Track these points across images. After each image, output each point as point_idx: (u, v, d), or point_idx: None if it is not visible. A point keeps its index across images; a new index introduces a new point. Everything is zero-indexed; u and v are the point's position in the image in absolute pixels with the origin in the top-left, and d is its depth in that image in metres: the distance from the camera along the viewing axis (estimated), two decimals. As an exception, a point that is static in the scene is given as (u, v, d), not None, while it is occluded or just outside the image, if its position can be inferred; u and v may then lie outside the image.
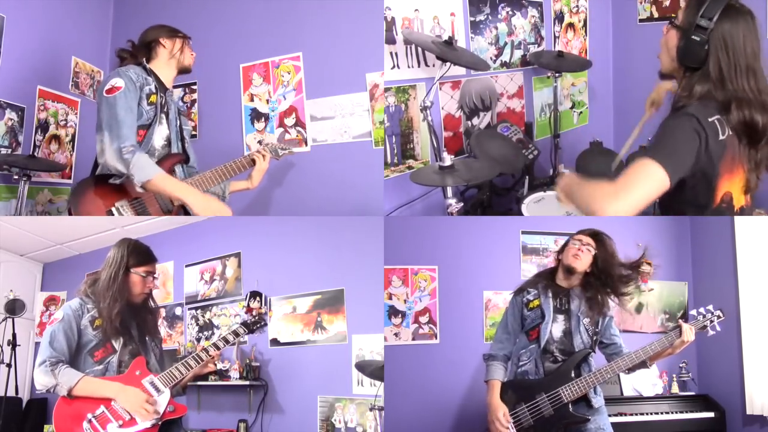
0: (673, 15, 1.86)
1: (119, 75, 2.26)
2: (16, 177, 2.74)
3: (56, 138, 3.27)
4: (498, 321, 2.61)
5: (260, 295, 3.62)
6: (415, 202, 3.12)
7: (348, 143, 3.08)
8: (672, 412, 3.05)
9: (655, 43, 1.93)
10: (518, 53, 3.54)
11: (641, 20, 3.96)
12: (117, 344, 1.95)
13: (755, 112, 1.71)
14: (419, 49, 3.05)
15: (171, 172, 2.38)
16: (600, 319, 2.16)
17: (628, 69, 4.13)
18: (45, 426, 3.95)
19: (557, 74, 3.45)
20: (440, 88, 3.16)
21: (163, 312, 4.14)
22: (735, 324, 2.97)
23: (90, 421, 1.82)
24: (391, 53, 2.95)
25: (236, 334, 2.14)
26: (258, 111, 3.32)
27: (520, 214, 2.63)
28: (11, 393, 3.61)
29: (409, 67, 3.05)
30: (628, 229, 3.43)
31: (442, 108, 3.20)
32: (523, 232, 3.37)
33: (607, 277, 2.16)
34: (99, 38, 3.64)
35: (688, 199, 1.80)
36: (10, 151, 2.93)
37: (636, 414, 3.02)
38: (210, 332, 3.92)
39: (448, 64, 2.77)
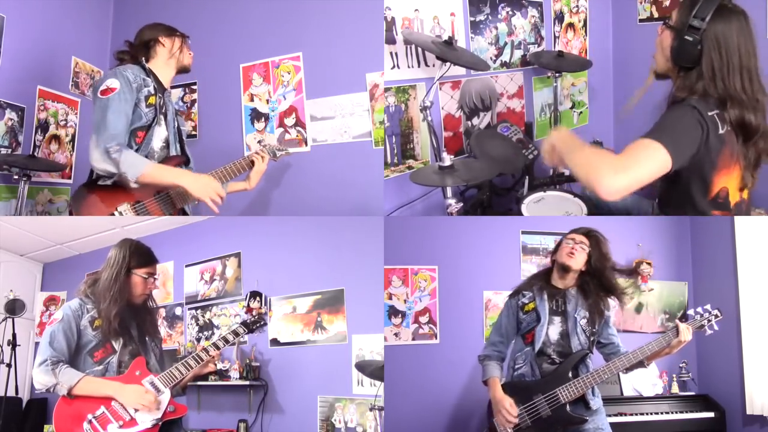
0: (668, 15, 1.87)
1: (115, 75, 2.24)
2: (16, 177, 2.74)
3: (56, 138, 3.26)
4: (497, 321, 2.61)
5: (260, 295, 3.62)
6: (415, 202, 3.12)
7: (348, 143, 3.08)
8: (672, 412, 3.06)
9: (654, 43, 1.94)
10: (518, 53, 3.54)
11: (641, 20, 3.95)
12: (117, 345, 1.95)
13: (747, 111, 1.73)
14: (419, 49, 3.05)
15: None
16: (598, 319, 2.15)
17: (628, 69, 4.12)
18: (45, 426, 3.95)
19: (557, 74, 3.45)
20: (440, 88, 3.16)
21: (163, 312, 4.14)
22: (735, 324, 2.98)
23: (90, 422, 1.82)
24: (391, 53, 2.95)
25: (236, 333, 2.14)
26: (258, 111, 3.32)
27: (520, 214, 2.62)
28: (11, 393, 3.61)
29: (409, 67, 3.04)
30: (628, 229, 3.44)
31: (442, 108, 3.20)
32: (523, 232, 3.37)
33: (602, 277, 2.15)
34: (99, 38, 3.64)
35: (684, 193, 1.81)
36: (10, 151, 2.93)
37: (636, 414, 3.02)
38: (210, 332, 3.92)
39: (448, 64, 2.77)
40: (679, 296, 3.44)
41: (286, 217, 3.39)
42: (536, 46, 3.66)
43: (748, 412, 2.88)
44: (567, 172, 3.60)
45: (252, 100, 3.34)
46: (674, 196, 1.90)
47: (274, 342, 3.59)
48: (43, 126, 3.17)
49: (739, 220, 2.99)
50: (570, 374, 2.06)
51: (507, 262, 3.33)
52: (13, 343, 3.69)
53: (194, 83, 3.50)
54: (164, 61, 2.45)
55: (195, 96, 3.52)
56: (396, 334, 3.22)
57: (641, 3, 3.95)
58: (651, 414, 3.03)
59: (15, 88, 2.97)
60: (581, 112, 4.09)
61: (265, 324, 2.28)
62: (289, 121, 3.23)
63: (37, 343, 4.16)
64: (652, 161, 1.61)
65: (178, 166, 2.43)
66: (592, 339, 2.14)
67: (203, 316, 3.97)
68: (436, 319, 3.27)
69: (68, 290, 4.52)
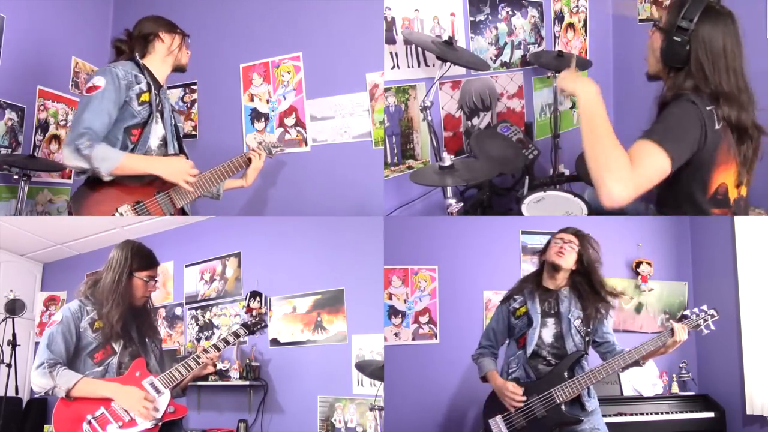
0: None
1: (103, 73, 2.19)
2: (16, 177, 2.74)
3: (56, 138, 3.27)
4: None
5: (260, 295, 3.62)
6: (415, 202, 3.11)
7: (348, 143, 3.08)
8: (672, 412, 3.06)
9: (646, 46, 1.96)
10: (518, 53, 3.54)
11: (641, 20, 3.96)
12: (117, 346, 1.94)
13: (736, 109, 1.77)
14: (419, 49, 3.05)
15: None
16: (593, 318, 2.13)
17: (628, 69, 4.12)
18: (45, 426, 3.95)
19: (557, 74, 3.44)
20: (440, 88, 3.15)
21: (163, 312, 4.14)
22: (735, 324, 2.98)
23: (90, 423, 1.81)
24: (391, 53, 2.95)
25: (237, 335, 2.13)
26: (258, 111, 3.32)
27: (520, 214, 2.62)
28: (11, 393, 3.61)
29: (409, 67, 3.04)
30: (628, 229, 3.44)
31: (442, 108, 3.20)
32: (523, 232, 3.37)
33: (592, 277, 2.15)
34: (99, 38, 3.64)
35: (683, 190, 1.82)
36: (10, 151, 2.93)
37: (636, 414, 3.02)
38: (210, 332, 3.92)
39: (448, 64, 2.76)
40: (679, 296, 3.44)
41: (286, 217, 3.40)
42: (536, 46, 3.66)
43: (748, 412, 2.88)
44: (567, 172, 3.61)
45: (252, 100, 3.34)
46: (673, 195, 1.91)
47: (274, 342, 3.59)
48: (43, 126, 3.17)
49: (739, 220, 2.99)
50: (566, 375, 2.05)
51: (507, 262, 3.33)
52: (13, 343, 3.69)
53: (194, 83, 3.50)
54: (161, 58, 2.39)
55: (195, 96, 3.52)
56: (396, 334, 3.22)
57: (641, 3, 3.96)
58: (651, 414, 3.03)
59: (15, 88, 2.98)
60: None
61: (266, 326, 2.27)
62: (289, 121, 3.23)
63: (37, 343, 4.16)
64: (655, 169, 1.64)
65: None
66: (587, 339, 2.12)
67: (203, 316, 3.97)
68: (436, 319, 3.27)
69: (68, 290, 4.53)
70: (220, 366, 3.45)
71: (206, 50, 3.28)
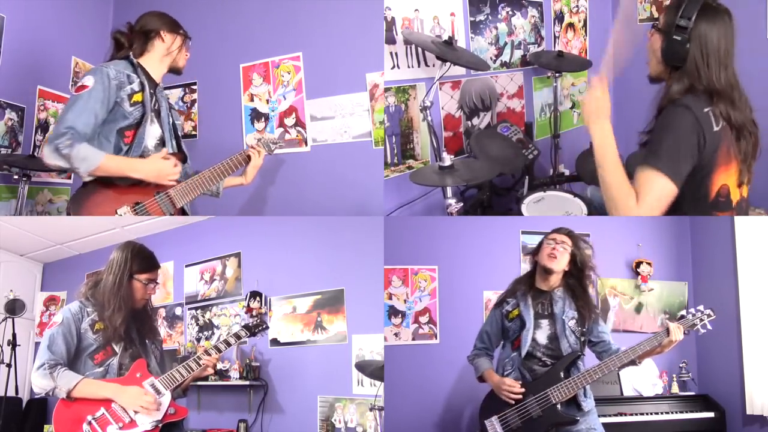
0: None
1: (94, 73, 2.15)
2: (16, 177, 2.74)
3: (56, 138, 3.26)
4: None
5: (260, 295, 3.62)
6: (415, 202, 3.11)
7: (348, 143, 3.08)
8: (672, 412, 3.06)
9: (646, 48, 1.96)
10: (518, 53, 3.54)
11: (641, 20, 3.95)
12: (117, 347, 1.94)
13: (730, 106, 1.79)
14: (419, 49, 3.05)
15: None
16: (588, 318, 2.12)
17: (628, 69, 4.12)
18: (45, 426, 3.95)
19: (557, 74, 3.44)
20: (440, 88, 3.15)
21: (163, 312, 4.14)
22: (735, 324, 2.98)
23: (90, 423, 1.81)
24: (391, 53, 2.95)
25: (238, 337, 2.12)
26: (258, 111, 3.32)
27: (520, 214, 2.63)
28: (11, 393, 3.62)
29: (409, 67, 3.04)
30: (628, 229, 3.44)
31: (442, 108, 3.20)
32: (523, 232, 3.37)
33: (582, 279, 2.15)
34: (99, 38, 3.63)
35: (685, 194, 1.82)
36: (10, 151, 2.93)
37: (636, 414, 3.03)
38: (210, 332, 3.92)
39: (448, 64, 2.76)
40: (679, 296, 3.44)
41: (286, 217, 3.39)
42: (536, 46, 3.66)
43: (748, 412, 2.88)
44: (567, 172, 3.61)
45: (252, 100, 3.34)
46: (675, 201, 1.90)
47: (274, 342, 3.59)
48: (43, 126, 3.17)
49: (739, 220, 2.99)
50: (562, 375, 2.05)
51: (507, 262, 3.33)
52: (13, 343, 3.69)
53: (194, 83, 3.50)
54: (159, 57, 2.34)
55: (195, 96, 3.52)
56: (396, 334, 3.22)
57: (641, 3, 3.95)
58: (651, 414, 3.04)
59: (15, 88, 2.98)
60: (581, 112, 4.09)
61: (267, 327, 2.26)
62: (289, 121, 3.23)
63: (37, 343, 4.17)
64: (659, 197, 1.74)
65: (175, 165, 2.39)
66: (582, 339, 2.12)
67: (203, 316, 3.97)
68: (436, 319, 3.27)
69: (68, 290, 4.52)
70: (220, 366, 3.45)
71: (206, 50, 3.28)
